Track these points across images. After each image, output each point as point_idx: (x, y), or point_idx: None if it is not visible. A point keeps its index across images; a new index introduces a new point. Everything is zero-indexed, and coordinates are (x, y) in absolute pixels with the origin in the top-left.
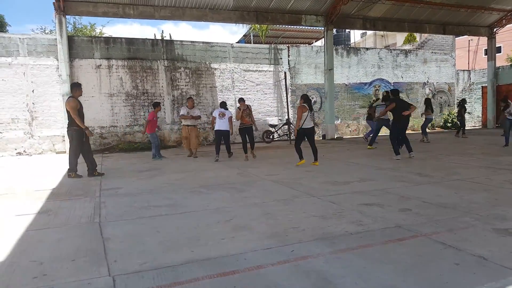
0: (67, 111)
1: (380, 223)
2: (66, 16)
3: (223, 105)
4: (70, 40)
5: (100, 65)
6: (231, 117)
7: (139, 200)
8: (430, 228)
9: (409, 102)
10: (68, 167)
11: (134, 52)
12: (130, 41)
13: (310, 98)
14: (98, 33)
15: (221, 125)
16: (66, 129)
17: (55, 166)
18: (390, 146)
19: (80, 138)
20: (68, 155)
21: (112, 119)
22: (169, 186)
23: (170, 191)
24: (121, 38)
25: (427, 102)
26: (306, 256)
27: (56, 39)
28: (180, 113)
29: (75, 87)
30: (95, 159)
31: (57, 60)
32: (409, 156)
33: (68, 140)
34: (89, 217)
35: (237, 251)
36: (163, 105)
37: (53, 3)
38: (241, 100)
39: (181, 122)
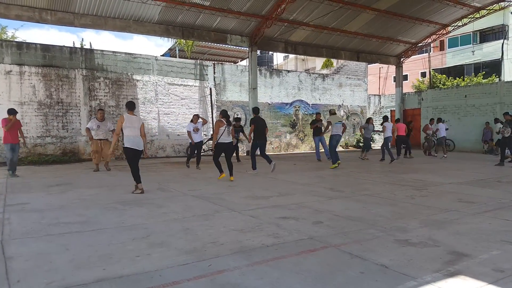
0: None
1: (294, 235)
2: None
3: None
4: None
5: (11, 71)
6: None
7: (48, 217)
8: (339, 239)
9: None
10: None
11: (50, 59)
12: (46, 48)
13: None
14: (10, 36)
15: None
16: None
17: None
18: (309, 162)
19: None
20: None
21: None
22: (81, 201)
23: (82, 207)
24: (35, 43)
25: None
26: (222, 270)
27: None
28: (87, 126)
29: None
30: None
31: None
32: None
33: None
34: None
35: (152, 268)
36: (79, 115)
37: None
38: None
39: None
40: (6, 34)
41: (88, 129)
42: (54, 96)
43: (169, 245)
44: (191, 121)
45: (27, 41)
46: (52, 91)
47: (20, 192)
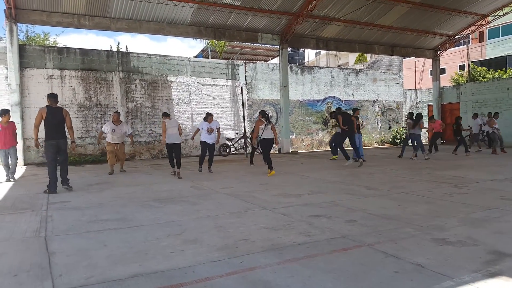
0: (59, 122)
1: (327, 234)
2: (18, 24)
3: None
4: (22, 48)
5: (52, 75)
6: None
7: (87, 214)
8: (373, 238)
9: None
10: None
11: (88, 63)
12: (85, 52)
13: (267, 112)
14: (52, 42)
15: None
16: (62, 140)
17: None
18: (343, 160)
19: None
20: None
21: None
22: (119, 199)
23: (119, 204)
24: (75, 48)
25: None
26: (254, 267)
27: (5, 47)
28: (102, 129)
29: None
30: None
31: (6, 69)
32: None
33: (64, 151)
34: (35, 231)
35: (186, 264)
36: None
37: (4, 10)
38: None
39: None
40: (49, 40)
41: (101, 132)
42: (92, 99)
43: (202, 242)
44: (205, 119)
45: (67, 46)
46: (91, 93)
47: (61, 191)
